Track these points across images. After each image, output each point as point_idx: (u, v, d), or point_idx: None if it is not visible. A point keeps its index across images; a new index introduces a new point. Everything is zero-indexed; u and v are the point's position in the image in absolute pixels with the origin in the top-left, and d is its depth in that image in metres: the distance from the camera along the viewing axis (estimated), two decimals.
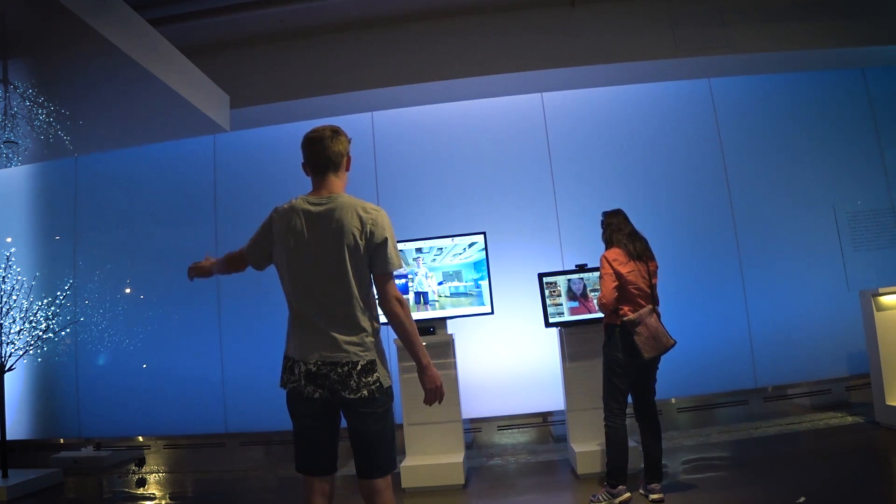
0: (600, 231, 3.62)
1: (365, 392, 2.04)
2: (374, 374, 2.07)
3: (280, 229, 2.16)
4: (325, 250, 2.09)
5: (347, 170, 2.28)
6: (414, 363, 2.15)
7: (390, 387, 2.15)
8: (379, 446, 2.10)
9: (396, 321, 2.12)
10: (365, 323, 2.10)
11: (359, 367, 2.05)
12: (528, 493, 3.88)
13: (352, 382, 2.04)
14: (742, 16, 5.19)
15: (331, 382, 2.04)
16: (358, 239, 2.08)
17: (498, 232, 5.27)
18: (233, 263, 2.40)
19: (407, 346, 2.15)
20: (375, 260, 2.11)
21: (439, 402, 2.18)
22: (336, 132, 2.21)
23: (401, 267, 2.18)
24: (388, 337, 4.48)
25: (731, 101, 5.65)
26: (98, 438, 5.65)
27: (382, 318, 2.16)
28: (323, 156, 2.18)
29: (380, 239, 2.10)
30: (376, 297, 2.17)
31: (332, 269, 2.08)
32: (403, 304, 2.14)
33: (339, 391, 2.04)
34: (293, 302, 2.14)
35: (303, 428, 2.14)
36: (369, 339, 2.10)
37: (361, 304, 2.10)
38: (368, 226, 2.09)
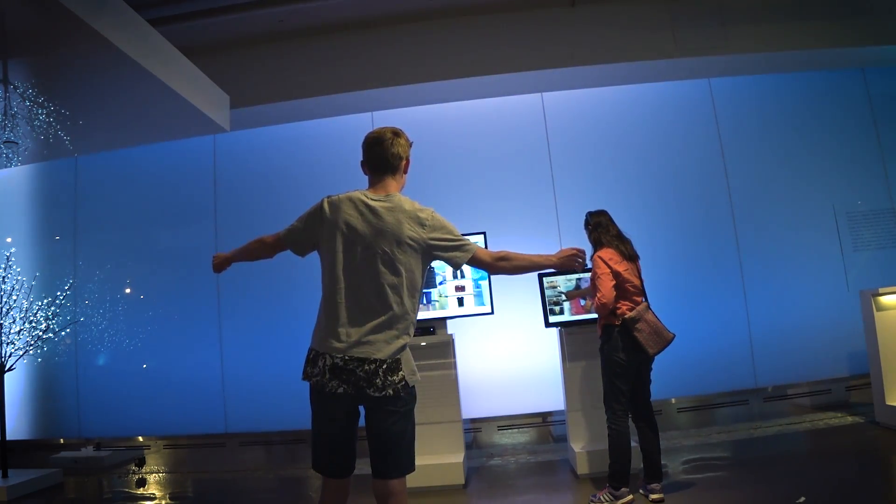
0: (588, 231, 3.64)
1: (390, 391, 2.02)
2: (400, 373, 2.05)
3: (333, 217, 2.13)
4: (381, 246, 2.08)
5: (405, 173, 2.30)
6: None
7: (414, 386, 2.13)
8: (398, 446, 2.07)
9: (512, 271, 2.26)
10: (402, 324, 2.08)
11: (385, 365, 2.02)
12: (528, 493, 3.87)
13: (377, 381, 2.01)
14: (742, 16, 5.19)
15: (356, 379, 2.01)
16: (417, 239, 2.10)
17: (498, 231, 5.25)
18: (262, 250, 2.34)
19: (532, 270, 2.33)
20: (454, 254, 2.17)
21: (581, 261, 2.34)
22: (397, 134, 2.23)
23: (475, 247, 2.22)
24: None
25: (731, 101, 5.65)
26: (98, 438, 5.64)
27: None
28: (381, 157, 2.21)
29: (447, 235, 2.16)
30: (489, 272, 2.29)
31: (384, 266, 2.07)
32: (504, 257, 2.23)
33: (365, 388, 2.01)
34: (332, 293, 2.09)
35: (323, 428, 2.11)
36: (401, 341, 2.07)
37: (404, 305, 2.08)
38: (429, 223, 2.14)
